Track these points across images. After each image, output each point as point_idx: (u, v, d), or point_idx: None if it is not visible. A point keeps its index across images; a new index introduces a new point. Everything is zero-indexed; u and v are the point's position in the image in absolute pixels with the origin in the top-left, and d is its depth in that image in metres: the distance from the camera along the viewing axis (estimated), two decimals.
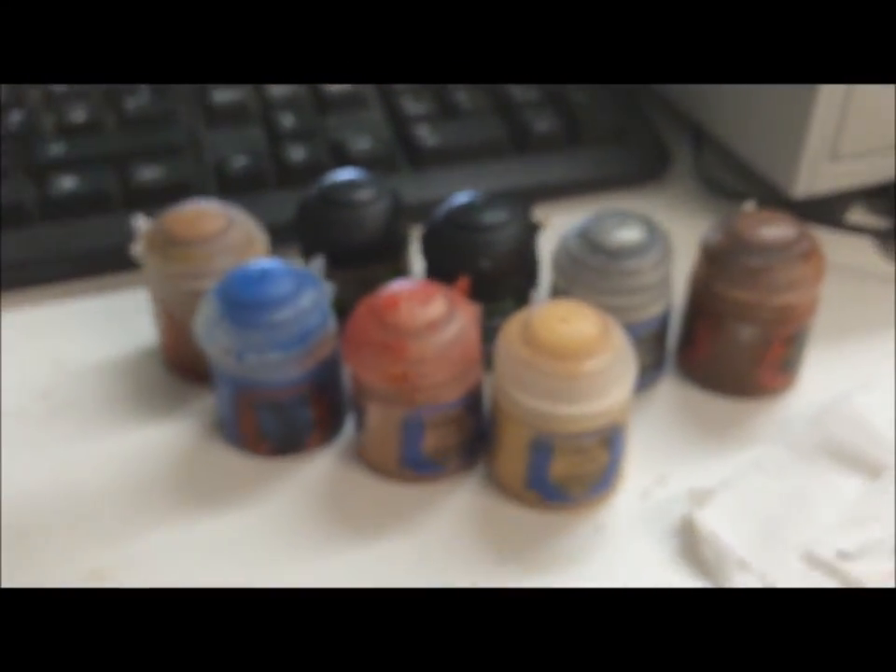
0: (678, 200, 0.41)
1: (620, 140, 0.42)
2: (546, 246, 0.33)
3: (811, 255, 0.30)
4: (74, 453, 0.31)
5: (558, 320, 0.27)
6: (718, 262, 0.31)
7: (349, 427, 0.32)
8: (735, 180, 0.41)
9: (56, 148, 0.39)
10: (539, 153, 0.41)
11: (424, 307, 0.27)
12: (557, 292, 0.31)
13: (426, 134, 0.41)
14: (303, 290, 0.29)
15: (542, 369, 0.26)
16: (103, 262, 0.37)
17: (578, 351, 0.26)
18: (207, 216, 0.31)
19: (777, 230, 0.31)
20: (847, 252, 0.38)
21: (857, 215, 0.40)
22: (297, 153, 0.39)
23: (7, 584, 0.27)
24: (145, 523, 0.29)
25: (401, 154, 0.41)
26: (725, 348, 0.32)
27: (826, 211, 0.39)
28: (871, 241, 0.39)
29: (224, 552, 0.28)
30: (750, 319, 0.31)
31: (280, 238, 0.35)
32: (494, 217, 0.31)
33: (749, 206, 0.33)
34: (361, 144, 0.40)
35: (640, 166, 0.42)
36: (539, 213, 0.34)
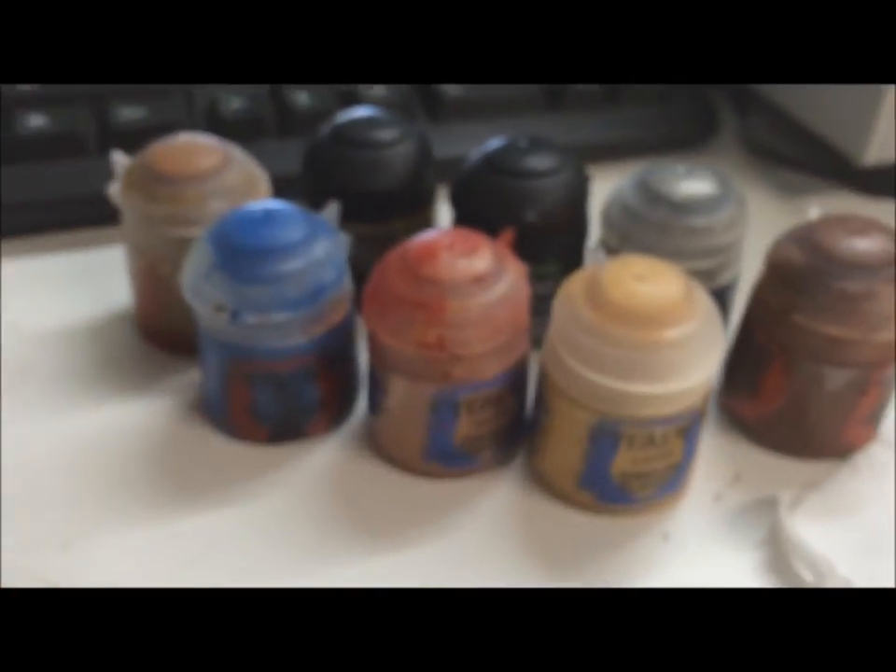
0: (724, 166, 0.38)
1: (662, 102, 0.39)
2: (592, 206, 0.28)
3: None
4: (27, 432, 0.26)
5: (633, 278, 0.22)
6: (801, 287, 0.24)
7: (360, 410, 0.27)
8: (785, 146, 0.38)
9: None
10: (574, 112, 0.38)
11: (468, 259, 0.23)
12: (607, 253, 0.27)
13: (447, 84, 0.36)
14: (316, 238, 0.24)
15: (613, 336, 0.22)
16: (72, 214, 0.33)
17: (659, 316, 0.22)
18: (201, 151, 0.27)
19: (872, 241, 0.24)
20: None
21: None
22: (301, 98, 0.35)
23: None
24: (108, 518, 0.25)
25: (420, 104, 0.36)
26: (805, 399, 0.25)
27: (890, 182, 0.36)
28: None
29: (206, 557, 0.24)
30: (843, 361, 0.24)
31: (280, 193, 0.30)
32: (542, 162, 0.27)
33: (815, 212, 0.26)
34: (374, 90, 0.35)
35: (684, 130, 0.39)
36: None
